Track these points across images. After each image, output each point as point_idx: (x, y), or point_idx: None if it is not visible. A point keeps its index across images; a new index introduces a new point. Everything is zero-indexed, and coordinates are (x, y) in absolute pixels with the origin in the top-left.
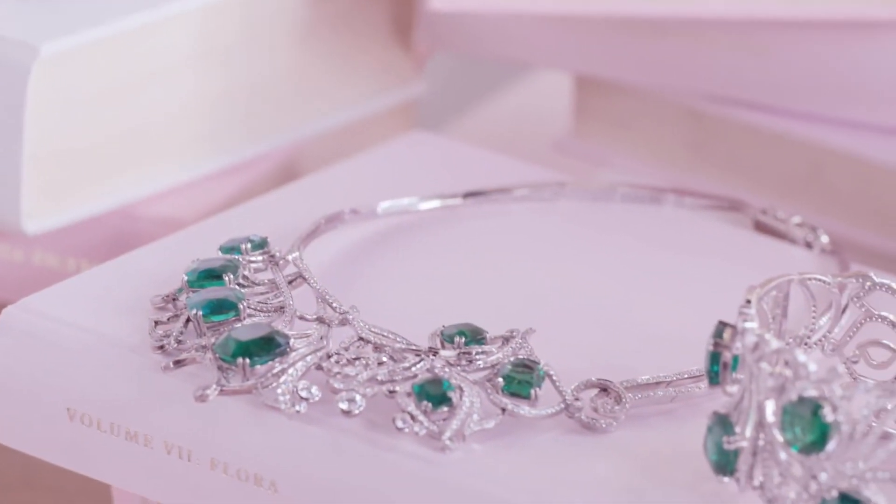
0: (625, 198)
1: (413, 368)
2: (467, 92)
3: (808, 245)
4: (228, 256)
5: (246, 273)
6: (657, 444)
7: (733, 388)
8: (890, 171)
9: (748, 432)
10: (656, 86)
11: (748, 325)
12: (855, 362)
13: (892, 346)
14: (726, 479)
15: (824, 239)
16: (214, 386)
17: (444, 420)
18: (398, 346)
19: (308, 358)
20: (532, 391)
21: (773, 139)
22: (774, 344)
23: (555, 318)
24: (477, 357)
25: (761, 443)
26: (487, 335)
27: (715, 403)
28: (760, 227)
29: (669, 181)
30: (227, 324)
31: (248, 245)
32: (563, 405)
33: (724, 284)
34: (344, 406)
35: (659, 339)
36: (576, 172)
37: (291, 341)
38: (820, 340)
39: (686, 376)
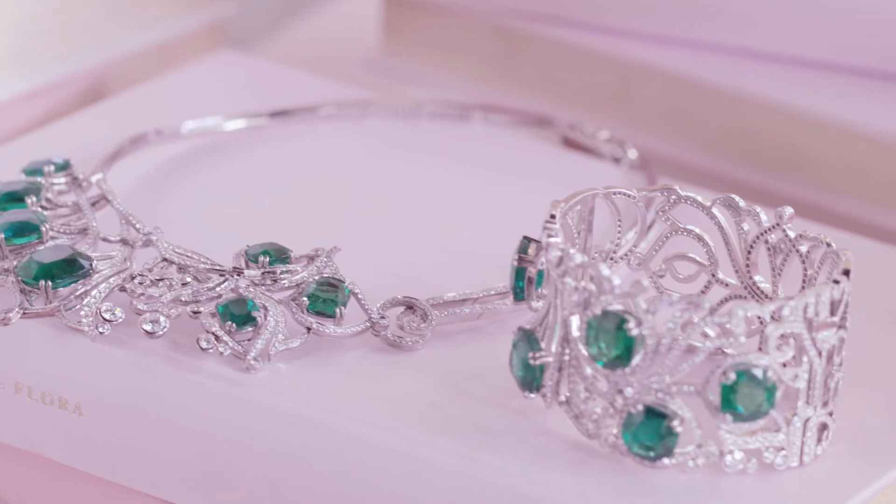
0: (432, 115)
1: (217, 289)
2: (277, 11)
3: (617, 160)
4: (31, 179)
5: (49, 195)
6: (464, 361)
7: (538, 304)
8: (697, 85)
9: (553, 347)
10: (464, 2)
11: (552, 239)
12: (661, 276)
13: (697, 259)
14: (532, 394)
15: (632, 154)
16: (17, 309)
17: (249, 340)
18: (202, 266)
19: (111, 279)
20: (337, 310)
21: (581, 55)
22: (578, 258)
23: (361, 236)
24: (282, 276)
25: (567, 358)
26: (292, 254)
27: (521, 319)
28: (569, 143)
29: (479, 98)
30: (29, 246)
31: (51, 167)
32: (368, 323)
33: (532, 200)
34: (148, 327)
35: (466, 256)
36: (386, 91)
37: (94, 263)
38: (626, 255)
39: (492, 293)
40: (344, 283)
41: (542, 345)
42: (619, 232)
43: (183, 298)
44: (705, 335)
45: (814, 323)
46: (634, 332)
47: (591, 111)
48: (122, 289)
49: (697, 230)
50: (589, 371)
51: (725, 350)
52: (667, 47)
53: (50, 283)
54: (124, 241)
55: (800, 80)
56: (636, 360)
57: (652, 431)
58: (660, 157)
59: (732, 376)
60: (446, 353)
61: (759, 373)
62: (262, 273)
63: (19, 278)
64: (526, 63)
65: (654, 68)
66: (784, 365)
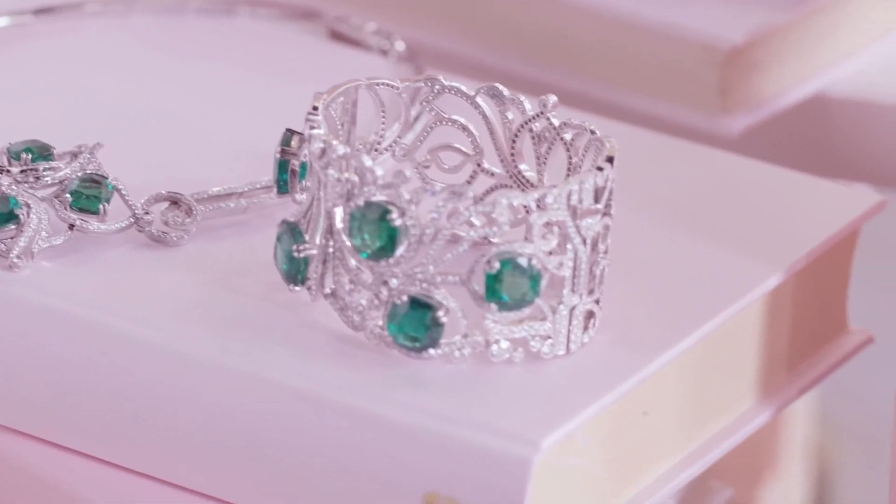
0: (198, 11)
1: None
2: None
3: (384, 52)
4: None
5: None
6: (230, 255)
7: (302, 196)
8: None
9: (318, 240)
10: None
11: (315, 131)
12: (426, 167)
13: (463, 149)
14: (297, 287)
15: (399, 46)
16: None
17: (12, 238)
18: None
19: None
20: (100, 206)
21: None
22: (341, 150)
23: (125, 133)
24: (44, 173)
25: (331, 250)
26: (55, 151)
27: (286, 212)
28: (336, 36)
29: None
30: None
31: None
32: (132, 219)
33: (298, 94)
34: None
35: (231, 151)
36: None
37: None
38: (391, 146)
39: (257, 186)
40: (107, 179)
41: (307, 237)
42: (384, 123)
43: None
44: (471, 225)
45: (578, 210)
46: (397, 222)
47: (361, 4)
48: None
49: (462, 120)
50: (353, 263)
51: (491, 239)
52: None
53: None
54: None
55: None
56: (400, 250)
57: (417, 322)
58: (427, 49)
59: (496, 265)
60: (211, 248)
61: (523, 261)
62: (24, 170)
63: None
64: None
65: None
66: (550, 253)
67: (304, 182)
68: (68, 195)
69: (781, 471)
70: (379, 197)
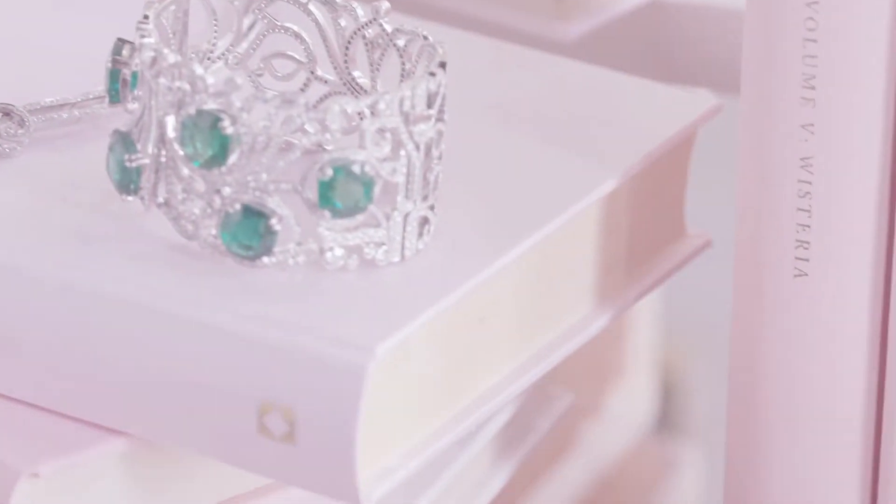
0: None
1: None
2: None
3: None
4: None
5: None
6: (63, 166)
7: (134, 106)
8: None
9: (150, 149)
10: None
11: (145, 40)
12: (260, 75)
13: (296, 57)
14: (130, 197)
15: None
16: None
17: None
18: None
19: None
20: None
21: None
22: (172, 58)
23: None
24: None
25: (164, 159)
26: None
27: (119, 122)
28: None
29: None
30: None
31: None
32: None
33: (129, 3)
34: None
35: (63, 62)
36: None
37: None
38: (223, 55)
39: (90, 97)
40: None
41: (139, 147)
42: (216, 32)
43: None
44: (304, 132)
45: (410, 116)
46: (229, 130)
47: None
48: None
49: (295, 28)
50: (186, 171)
51: (325, 147)
52: None
53: None
54: None
55: None
56: (232, 158)
57: (250, 230)
58: None
59: (329, 172)
60: (45, 160)
61: (356, 168)
62: None
63: None
64: None
65: None
66: (383, 160)
67: (135, 91)
68: None
69: (624, 375)
70: (210, 105)
